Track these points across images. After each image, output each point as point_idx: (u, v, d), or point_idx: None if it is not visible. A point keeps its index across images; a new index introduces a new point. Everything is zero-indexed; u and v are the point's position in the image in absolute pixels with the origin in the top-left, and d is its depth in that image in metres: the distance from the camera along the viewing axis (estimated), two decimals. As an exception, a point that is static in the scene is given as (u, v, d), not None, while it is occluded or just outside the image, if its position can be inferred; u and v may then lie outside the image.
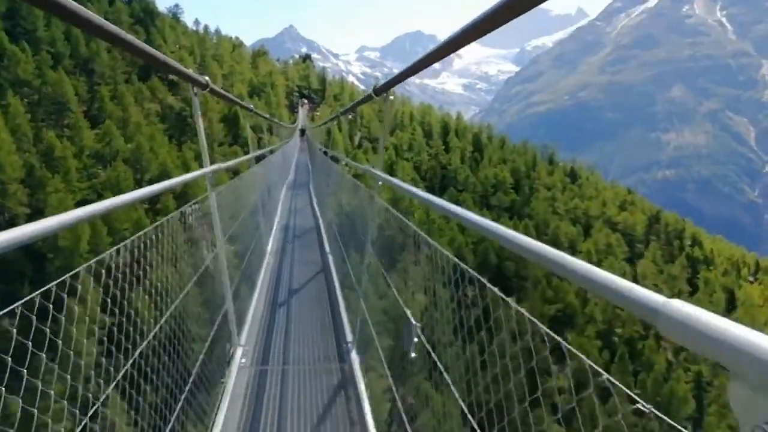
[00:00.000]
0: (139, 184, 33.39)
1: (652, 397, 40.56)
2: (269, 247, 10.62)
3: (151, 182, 37.48)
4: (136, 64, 50.94)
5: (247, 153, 14.34)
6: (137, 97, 44.83)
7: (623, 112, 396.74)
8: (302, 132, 42.43)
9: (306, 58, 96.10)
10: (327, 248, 10.69)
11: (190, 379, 3.88)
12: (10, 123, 30.69)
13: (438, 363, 2.94)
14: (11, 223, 26.85)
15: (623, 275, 0.97)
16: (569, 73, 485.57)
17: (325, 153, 18.24)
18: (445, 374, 2.80)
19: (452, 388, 2.57)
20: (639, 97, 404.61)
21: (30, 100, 36.69)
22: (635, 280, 34.74)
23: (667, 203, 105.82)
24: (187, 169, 33.98)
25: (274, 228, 12.65)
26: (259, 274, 8.56)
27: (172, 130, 45.98)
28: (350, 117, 69.66)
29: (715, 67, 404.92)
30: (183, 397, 3.64)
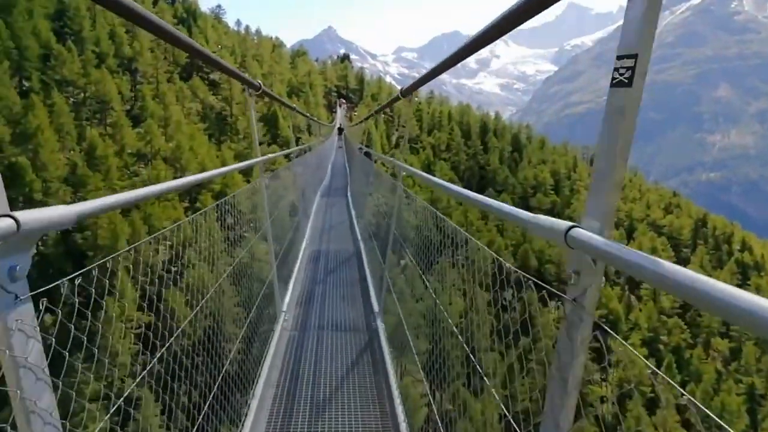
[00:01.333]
0: (179, 183, 33.54)
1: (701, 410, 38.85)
2: (287, 299, 6.78)
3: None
4: (179, 64, 51.51)
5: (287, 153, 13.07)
6: (178, 96, 45.25)
7: (666, 112, 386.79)
8: (340, 131, 42.20)
9: (344, 58, 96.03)
10: (374, 303, 6.82)
11: (220, 376, 3.63)
12: (55, 122, 31.15)
13: (477, 368, 2.85)
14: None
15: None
16: (609, 72, 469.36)
17: (368, 154, 16.81)
18: (484, 380, 2.74)
19: (493, 393, 2.48)
20: (683, 97, 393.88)
21: (75, 99, 37.31)
22: None
23: (711, 206, 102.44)
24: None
25: (299, 259, 9.14)
26: (263, 361, 5.02)
27: (212, 129, 46.26)
28: (389, 115, 69.25)
29: (765, 65, 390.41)
30: (212, 394, 3.45)
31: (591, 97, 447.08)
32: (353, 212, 14.45)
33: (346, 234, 12.44)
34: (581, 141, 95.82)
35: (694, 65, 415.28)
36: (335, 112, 69.31)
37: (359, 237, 11.20)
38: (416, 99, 77.66)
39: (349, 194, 18.61)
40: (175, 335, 2.75)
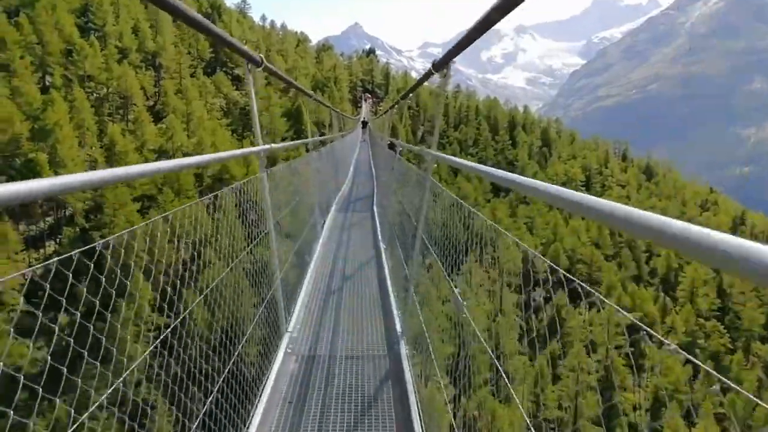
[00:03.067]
0: (198, 180, 32.81)
1: (742, 420, 37.13)
2: None
3: (211, 178, 37.26)
4: (203, 59, 50.95)
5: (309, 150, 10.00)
6: (201, 91, 44.66)
7: (698, 106, 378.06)
8: (364, 124, 40.98)
9: (370, 52, 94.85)
10: None
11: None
12: (75, 118, 30.62)
13: (504, 373, 2.62)
14: (71, 219, 26.76)
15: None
16: (639, 65, 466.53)
17: (392, 146, 14.22)
18: (511, 386, 2.55)
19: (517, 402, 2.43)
20: (716, 90, 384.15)
21: (97, 95, 36.86)
22: (721, 289, 31.86)
23: (744, 202, 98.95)
24: (249, 165, 33.22)
25: (266, 393, 4.24)
26: None
27: (235, 125, 45.56)
28: (414, 110, 68.05)
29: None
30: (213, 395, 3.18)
31: (619, 90, 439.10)
32: (383, 246, 8.83)
33: (373, 298, 6.79)
34: (610, 136, 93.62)
35: (728, 57, 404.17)
36: (360, 106, 68.32)
37: (397, 323, 5.60)
38: (443, 93, 76.21)
39: (375, 208, 13.19)
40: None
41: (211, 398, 3.39)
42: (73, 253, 1.55)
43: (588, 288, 1.85)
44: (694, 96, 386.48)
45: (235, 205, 3.91)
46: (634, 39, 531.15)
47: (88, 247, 1.67)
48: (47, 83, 33.98)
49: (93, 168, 29.22)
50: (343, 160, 19.41)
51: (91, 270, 1.57)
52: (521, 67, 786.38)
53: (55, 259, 1.51)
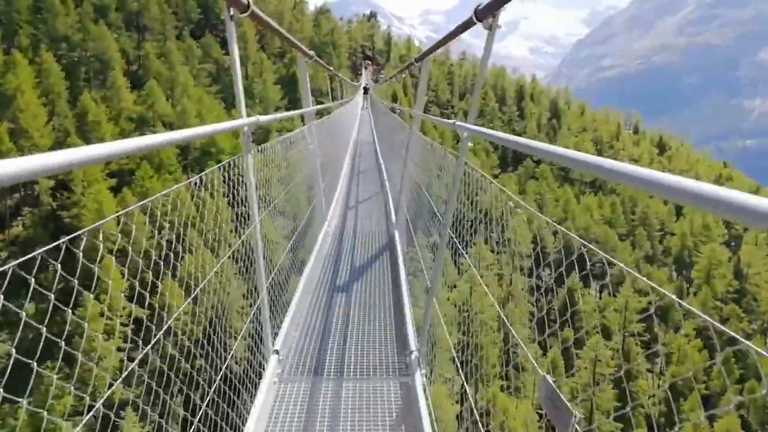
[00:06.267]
0: (183, 153, 29.82)
1: (761, 408, 35.32)
2: None
3: (198, 150, 34.31)
4: (190, 20, 47.29)
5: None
6: (188, 55, 41.10)
7: (702, 77, 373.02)
8: (366, 90, 37.87)
9: (371, 17, 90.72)
10: None
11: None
12: (44, 83, 27.37)
13: (515, 361, 5.65)
14: (37, 198, 23.90)
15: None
16: (644, 35, 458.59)
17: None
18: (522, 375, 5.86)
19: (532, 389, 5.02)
20: (721, 61, 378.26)
21: (69, 58, 33.46)
22: (738, 268, 29.85)
23: (749, 175, 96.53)
24: (238, 137, 30.08)
25: None
26: None
27: (225, 92, 42.27)
28: (417, 78, 64.94)
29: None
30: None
31: (624, 60, 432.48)
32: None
33: None
34: (613, 106, 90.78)
35: (735, 27, 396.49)
36: (360, 74, 64.88)
37: None
38: (447, 61, 72.90)
39: (406, 287, 5.65)
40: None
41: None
42: (38, 251, 1.28)
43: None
44: (699, 67, 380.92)
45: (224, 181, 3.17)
46: (640, 8, 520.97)
47: (55, 244, 1.36)
48: (11, 43, 30.63)
49: (63, 138, 26.22)
50: (335, 154, 11.24)
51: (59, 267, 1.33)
52: (524, 36, 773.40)
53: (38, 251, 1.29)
